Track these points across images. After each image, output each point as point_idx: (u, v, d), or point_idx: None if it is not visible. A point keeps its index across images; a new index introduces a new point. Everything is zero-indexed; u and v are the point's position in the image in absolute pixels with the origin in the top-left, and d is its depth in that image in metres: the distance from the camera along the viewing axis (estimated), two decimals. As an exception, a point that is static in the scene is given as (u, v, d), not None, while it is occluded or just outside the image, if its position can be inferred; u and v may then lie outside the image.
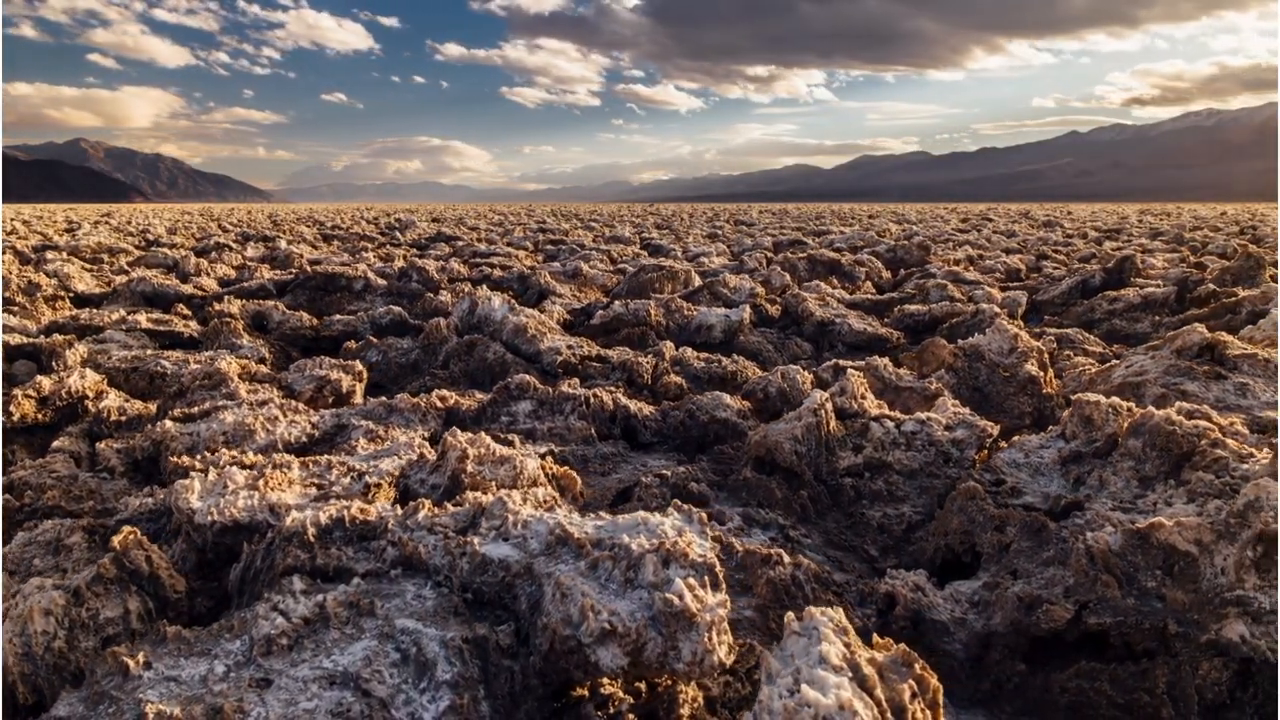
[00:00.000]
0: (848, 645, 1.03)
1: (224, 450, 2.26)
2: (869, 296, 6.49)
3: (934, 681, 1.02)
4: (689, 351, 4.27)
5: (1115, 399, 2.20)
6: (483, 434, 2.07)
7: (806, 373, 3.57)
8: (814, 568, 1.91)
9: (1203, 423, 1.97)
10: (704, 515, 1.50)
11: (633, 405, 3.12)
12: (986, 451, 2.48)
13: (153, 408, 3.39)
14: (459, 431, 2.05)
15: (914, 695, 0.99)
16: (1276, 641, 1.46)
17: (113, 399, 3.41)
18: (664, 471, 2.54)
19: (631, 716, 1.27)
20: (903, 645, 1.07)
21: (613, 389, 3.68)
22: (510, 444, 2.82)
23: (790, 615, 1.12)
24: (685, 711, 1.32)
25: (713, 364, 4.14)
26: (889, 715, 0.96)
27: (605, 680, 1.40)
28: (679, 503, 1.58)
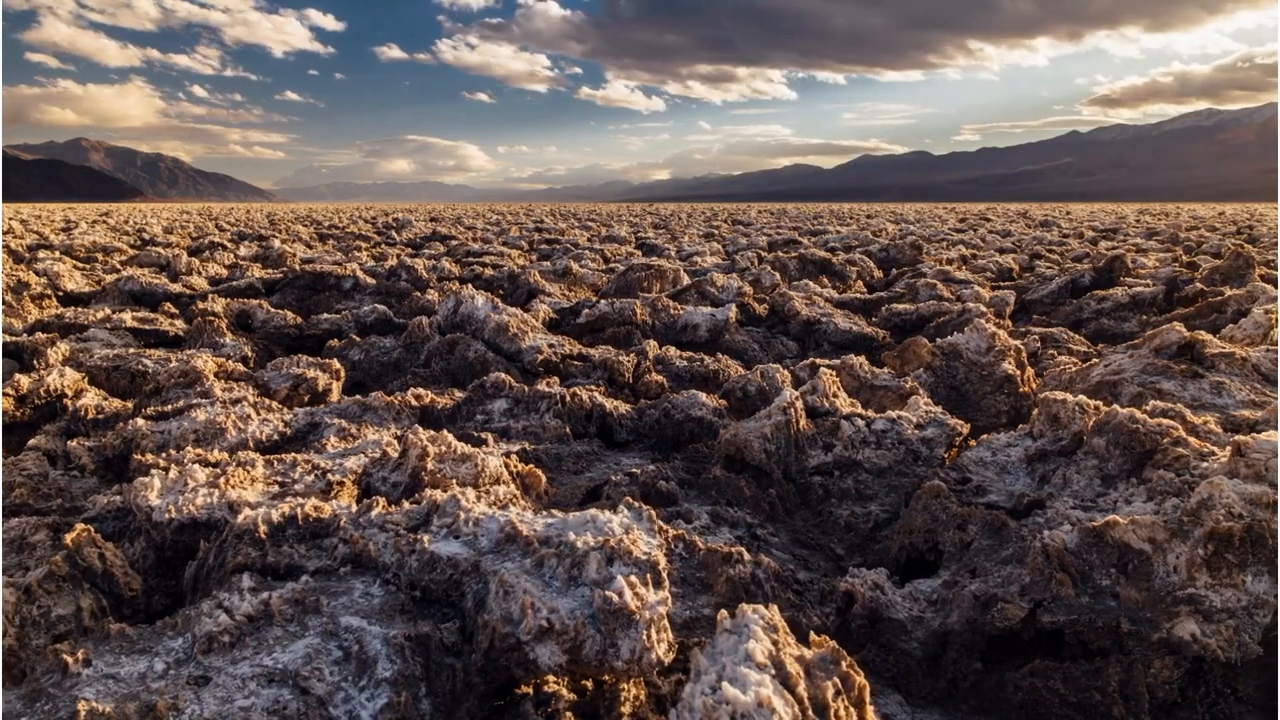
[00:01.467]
0: (775, 643, 1.02)
1: (190, 449, 2.26)
2: (858, 296, 6.48)
3: (860, 679, 1.01)
4: (672, 350, 4.26)
5: (1082, 398, 2.20)
6: (444, 432, 2.07)
7: (786, 371, 3.56)
8: (774, 566, 1.90)
9: (1166, 421, 1.96)
10: (653, 513, 1.49)
11: (608, 404, 3.11)
12: (956, 450, 2.48)
13: (131, 406, 3.39)
14: (420, 430, 2.04)
15: (838, 693, 0.99)
16: (1227, 640, 1.46)
17: (90, 397, 3.40)
18: (634, 470, 2.53)
19: (570, 715, 1.27)
20: (832, 643, 1.07)
21: (592, 388, 3.68)
22: (483, 442, 2.82)
23: (723, 613, 1.12)
24: (627, 710, 1.31)
25: (695, 363, 4.13)
26: (810, 712, 0.95)
27: (551, 678, 1.40)
28: (630, 500, 1.57)
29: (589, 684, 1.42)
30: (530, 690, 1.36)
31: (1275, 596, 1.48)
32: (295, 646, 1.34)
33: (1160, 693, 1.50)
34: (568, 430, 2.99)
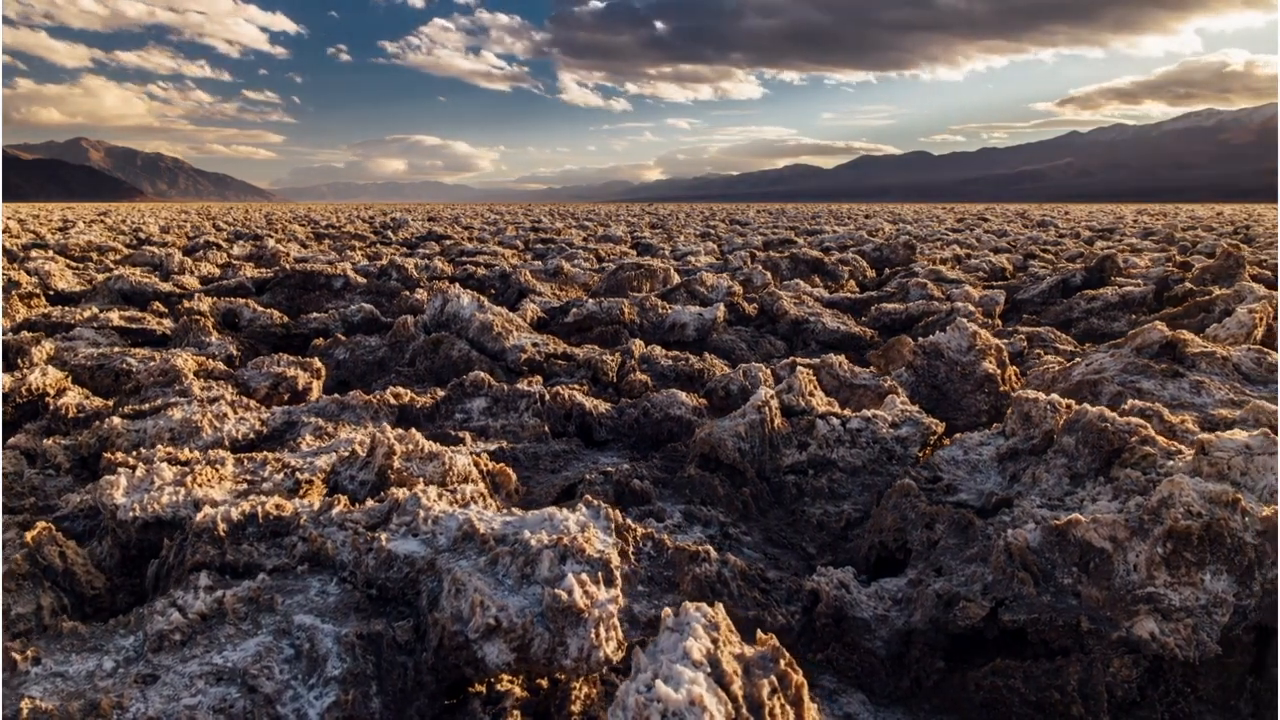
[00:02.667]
0: (715, 641, 1.02)
1: (161, 447, 2.25)
2: (848, 295, 6.48)
3: (797, 677, 1.01)
4: (657, 349, 4.26)
5: (1055, 396, 2.19)
6: (413, 431, 2.06)
7: (768, 370, 3.56)
8: (741, 565, 1.90)
9: (1135, 420, 1.96)
10: (610, 510, 1.49)
11: (588, 403, 3.11)
12: (931, 449, 2.47)
13: (112, 405, 3.38)
14: (388, 428, 2.04)
15: (774, 690, 0.98)
16: (1185, 639, 1.45)
17: (72, 396, 3.40)
18: (608, 469, 2.53)
19: (519, 713, 1.26)
20: (774, 642, 1.06)
21: (574, 386, 3.67)
22: (460, 441, 2.81)
23: (666, 611, 1.11)
24: (577, 708, 1.31)
25: (680, 362, 4.13)
26: (745, 710, 0.95)
27: (506, 677, 1.39)
28: (589, 498, 1.57)
29: (544, 683, 1.41)
30: (483, 689, 1.35)
31: (1234, 595, 1.47)
32: (246, 645, 1.33)
33: (1119, 692, 1.50)
34: (546, 429, 2.99)
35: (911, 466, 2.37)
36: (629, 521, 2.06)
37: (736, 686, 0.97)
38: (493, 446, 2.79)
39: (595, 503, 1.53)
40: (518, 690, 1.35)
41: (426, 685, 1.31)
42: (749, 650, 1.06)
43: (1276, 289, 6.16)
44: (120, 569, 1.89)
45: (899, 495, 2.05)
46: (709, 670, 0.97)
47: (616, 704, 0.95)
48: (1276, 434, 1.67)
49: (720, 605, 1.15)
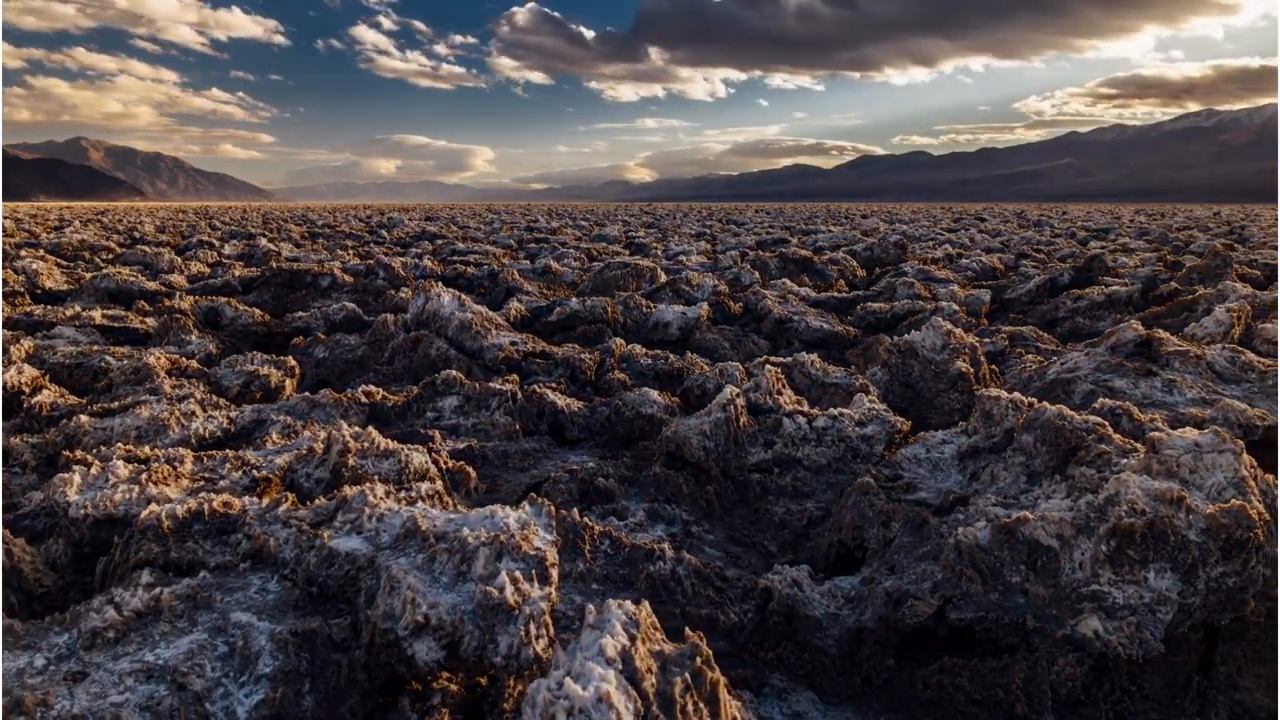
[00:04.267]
0: (633, 638, 1.01)
1: (120, 445, 2.25)
2: (835, 294, 6.47)
3: (713, 675, 1.00)
4: (637, 348, 4.25)
5: (1016, 394, 2.19)
6: (369, 429, 2.06)
7: (744, 369, 3.55)
8: (696, 563, 1.89)
9: (1093, 418, 1.95)
10: (553, 509, 1.48)
11: (560, 401, 3.10)
12: (896, 447, 2.47)
13: (86, 403, 3.38)
14: (345, 425, 2.03)
15: (687, 688, 0.98)
16: (1128, 637, 1.45)
17: (46, 394, 3.39)
18: (574, 467, 2.52)
19: (446, 711, 1.25)
20: (695, 639, 1.05)
21: (551, 385, 3.67)
22: (429, 439, 2.81)
23: (590, 608, 1.11)
24: (509, 706, 1.30)
25: (659, 360, 4.12)
26: (655, 708, 0.94)
27: (445, 675, 1.39)
28: (534, 495, 1.56)
29: (485, 681, 1.41)
30: (419, 686, 1.35)
31: (1178, 593, 1.47)
32: (180, 642, 1.32)
33: (1064, 690, 1.49)
34: (518, 428, 2.98)
35: (876, 465, 2.37)
36: (586, 520, 2.05)
37: (648, 684, 0.96)
38: (462, 445, 2.79)
39: (539, 500, 1.52)
40: (455, 689, 1.34)
41: (360, 683, 1.31)
42: (670, 648, 1.06)
43: (1267, 289, 6.16)
44: (74, 567, 1.88)
45: (858, 494, 2.05)
46: (621, 667, 0.97)
47: (527, 700, 0.95)
48: (1255, 433, 1.67)
49: (644, 603, 1.14)
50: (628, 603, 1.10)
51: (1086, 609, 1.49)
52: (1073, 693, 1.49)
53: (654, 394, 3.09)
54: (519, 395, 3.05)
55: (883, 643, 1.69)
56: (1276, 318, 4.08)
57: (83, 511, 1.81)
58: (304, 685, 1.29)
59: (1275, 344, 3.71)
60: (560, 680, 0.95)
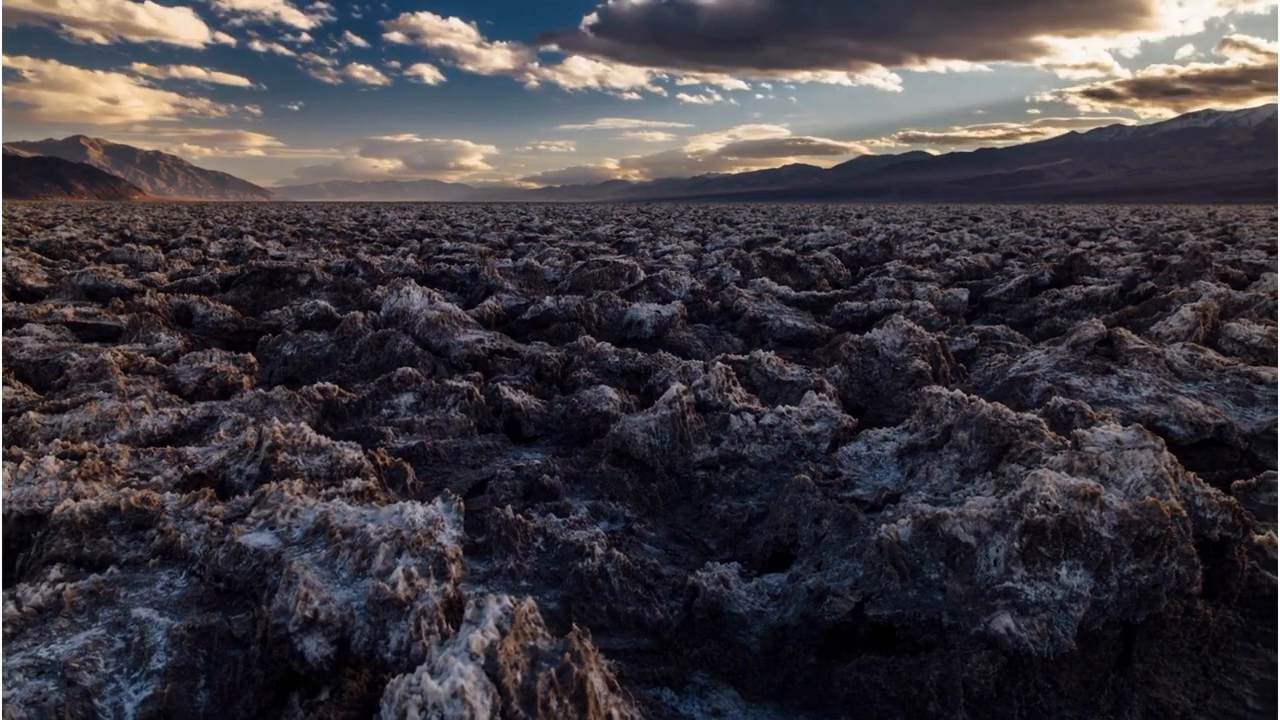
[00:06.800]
0: (503, 633, 1.00)
1: (58, 441, 2.23)
2: (815, 293, 6.46)
3: (579, 671, 0.99)
4: (606, 346, 4.24)
5: (958, 392, 2.18)
6: (302, 424, 2.05)
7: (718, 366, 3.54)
8: (625, 560, 1.88)
9: (1027, 416, 1.94)
10: (462, 505, 1.47)
11: (517, 398, 3.09)
12: (843, 445, 2.46)
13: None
14: (277, 422, 2.02)
15: (551, 684, 0.97)
16: (1039, 634, 1.44)
17: (7, 391, 3.38)
18: (521, 465, 2.51)
19: (335, 707, 1.24)
20: (573, 635, 1.05)
21: (516, 382, 3.66)
22: (381, 436, 2.80)
23: (471, 603, 1.10)
24: (405, 702, 1.29)
25: (628, 359, 4.11)
26: (515, 703, 0.93)
27: (349, 671, 1.38)
28: (448, 491, 1.55)
29: (388, 677, 1.40)
30: (321, 682, 1.34)
31: (1090, 590, 1.46)
32: (76, 638, 1.31)
33: (976, 688, 1.48)
34: (473, 425, 2.97)
35: (820, 462, 2.36)
36: (520, 517, 2.04)
37: (510, 679, 0.95)
38: (414, 442, 2.78)
39: (453, 496, 1.51)
40: (355, 685, 1.33)
41: (256, 679, 1.30)
42: (545, 644, 1.05)
43: (1247, 288, 6.15)
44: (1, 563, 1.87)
45: (794, 490, 2.04)
46: (484, 663, 0.96)
47: (385, 696, 0.94)
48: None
49: (529, 598, 1.13)
50: (506, 598, 1.10)
51: (1000, 606, 1.48)
52: (986, 690, 1.48)
53: (610, 391, 3.08)
54: (475, 392, 3.04)
55: (805, 640, 1.68)
56: (1245, 317, 4.07)
57: (8, 507, 1.80)
58: (198, 681, 1.28)
59: (1242, 343, 3.70)
60: (419, 675, 0.94)
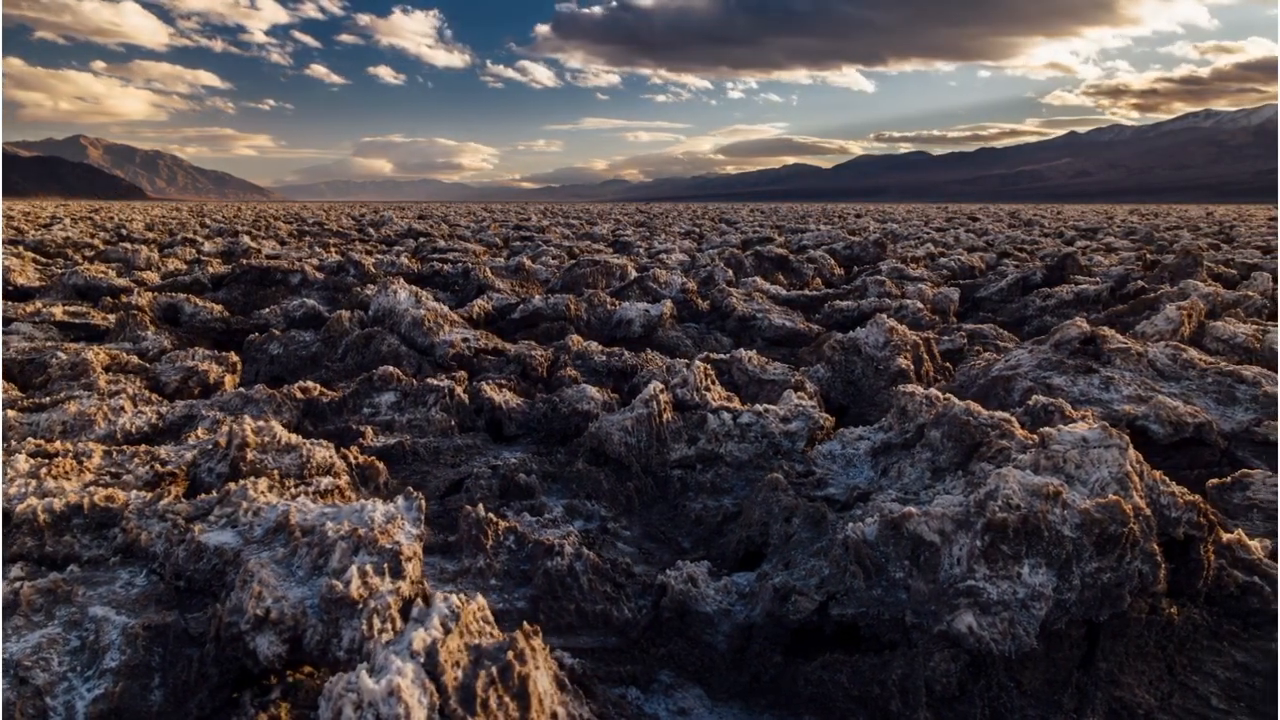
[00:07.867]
0: (447, 631, 1.00)
1: (31, 440, 2.23)
2: (807, 293, 6.46)
3: (521, 669, 0.99)
4: (593, 345, 4.24)
5: (933, 390, 2.18)
6: (272, 422, 2.05)
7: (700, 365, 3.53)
8: (595, 559, 1.88)
9: (999, 414, 1.94)
10: (423, 503, 1.47)
11: (498, 397, 3.09)
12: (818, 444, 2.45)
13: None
14: (248, 420, 2.02)
15: (491, 682, 0.96)
16: (1001, 633, 1.43)
17: (-11, 390, 3.37)
18: (498, 463, 2.51)
19: (286, 706, 1.24)
20: (520, 634, 1.04)
21: (501, 381, 3.66)
22: (360, 435, 2.79)
23: (420, 600, 1.09)
24: (359, 701, 1.28)
25: (614, 358, 4.11)
26: (453, 701, 0.93)
27: (307, 669, 1.37)
28: (410, 490, 1.55)
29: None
30: (274, 680, 1.33)
31: (1053, 589, 1.46)
32: (31, 636, 1.31)
33: (939, 687, 1.48)
34: (453, 424, 2.96)
35: (795, 461, 2.36)
36: (492, 515, 2.04)
37: (449, 677, 0.95)
38: (394, 440, 2.77)
39: (415, 494, 1.51)
40: (307, 684, 1.33)
41: (210, 678, 1.29)
42: (489, 642, 1.05)
43: (1238, 287, 6.14)
44: (-32, 562, 1.87)
45: (767, 489, 2.03)
46: (424, 660, 0.96)
47: (323, 694, 0.93)
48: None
49: (480, 597, 1.13)
50: (454, 596, 1.09)
51: (962, 605, 1.48)
52: (948, 689, 1.48)
53: (592, 390, 3.07)
54: (456, 391, 3.03)
55: (771, 639, 1.67)
56: (1232, 316, 4.07)
57: (-26, 506, 1.80)
58: (152, 680, 1.28)
59: (1226, 342, 3.70)
60: (358, 673, 0.94)
